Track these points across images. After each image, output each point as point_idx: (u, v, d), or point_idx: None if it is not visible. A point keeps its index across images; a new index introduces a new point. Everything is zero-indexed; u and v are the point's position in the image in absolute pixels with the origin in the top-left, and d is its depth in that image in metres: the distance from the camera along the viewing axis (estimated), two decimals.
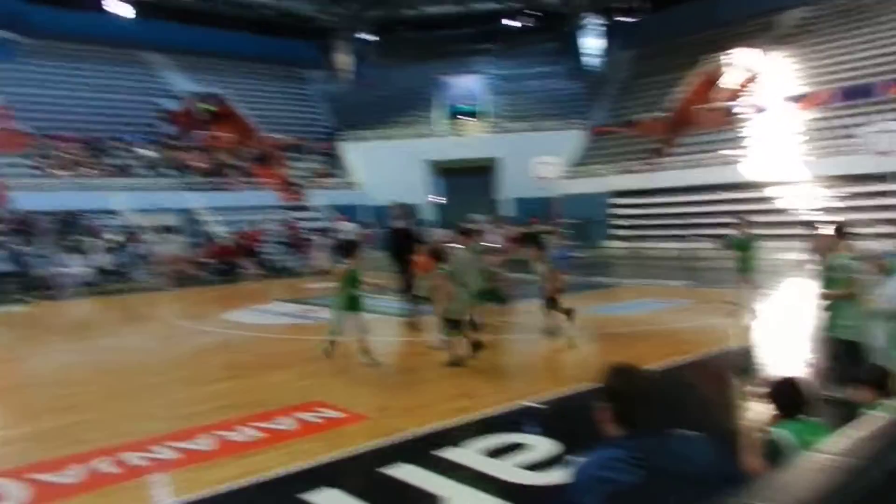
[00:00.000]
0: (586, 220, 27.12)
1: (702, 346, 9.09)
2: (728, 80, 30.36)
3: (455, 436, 5.44)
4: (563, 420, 6.05)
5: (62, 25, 38.03)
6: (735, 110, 28.92)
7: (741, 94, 29.66)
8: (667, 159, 28.95)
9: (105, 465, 5.14)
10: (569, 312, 9.75)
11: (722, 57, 31.06)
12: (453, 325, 8.32)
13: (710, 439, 2.29)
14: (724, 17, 35.07)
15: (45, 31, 37.20)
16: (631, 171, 29.12)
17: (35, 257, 21.24)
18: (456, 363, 8.09)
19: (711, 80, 31.29)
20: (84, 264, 21.56)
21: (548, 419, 6.06)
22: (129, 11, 41.41)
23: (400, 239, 12.38)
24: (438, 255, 9.03)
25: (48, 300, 18.49)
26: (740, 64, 30.48)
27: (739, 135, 27.38)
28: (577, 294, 15.60)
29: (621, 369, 2.32)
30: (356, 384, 7.59)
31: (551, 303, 9.94)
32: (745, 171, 25.26)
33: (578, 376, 7.32)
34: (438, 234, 19.90)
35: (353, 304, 8.52)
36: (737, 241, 11.66)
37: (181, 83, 38.25)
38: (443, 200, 35.01)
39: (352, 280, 8.53)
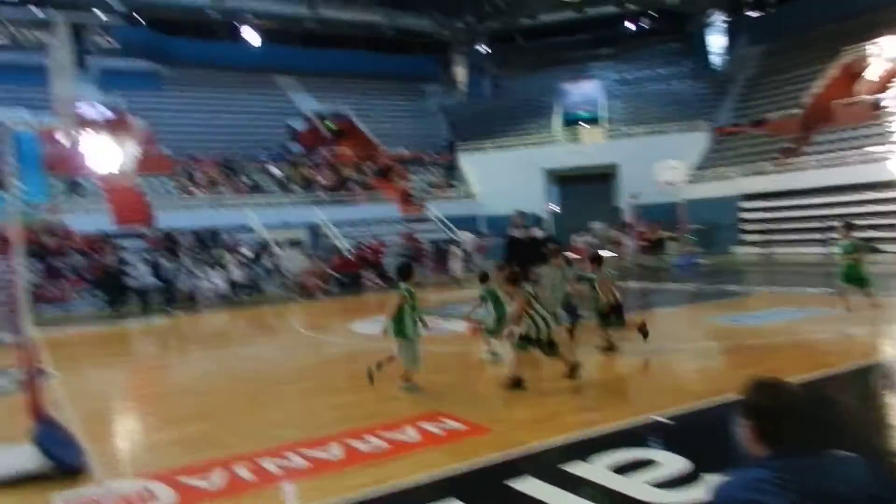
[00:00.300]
0: (714, 225, 25.96)
1: (847, 358, 8.42)
2: (872, 72, 28.15)
3: (582, 450, 5.30)
4: (693, 436, 5.76)
5: (200, 55, 41.02)
6: (881, 104, 26.76)
7: (888, 86, 27.42)
8: (801, 159, 27.18)
9: (244, 471, 5.40)
10: (641, 327, 9.41)
11: (866, 47, 28.86)
12: (530, 342, 7.74)
13: (866, 459, 2.10)
14: (865, 4, 32.61)
15: (184, 61, 40.23)
16: (762, 173, 27.52)
17: (177, 272, 22.84)
18: (516, 384, 7.55)
19: (853, 73, 29.15)
20: (221, 278, 22.98)
21: (676, 435, 5.79)
22: (257, 38, 43.96)
23: (520, 247, 12.37)
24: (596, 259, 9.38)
25: (189, 312, 19.82)
26: (886, 53, 28.20)
27: (887, 129, 25.29)
28: (705, 303, 15.01)
29: (766, 384, 2.15)
30: (477, 395, 7.59)
31: (608, 319, 9.47)
32: (894, 168, 23.28)
33: (708, 390, 7.00)
34: (581, 240, 19.82)
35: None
36: (848, 246, 11.40)
37: (308, 103, 40.12)
38: (557, 209, 34.66)
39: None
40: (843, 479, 2.00)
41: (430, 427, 6.28)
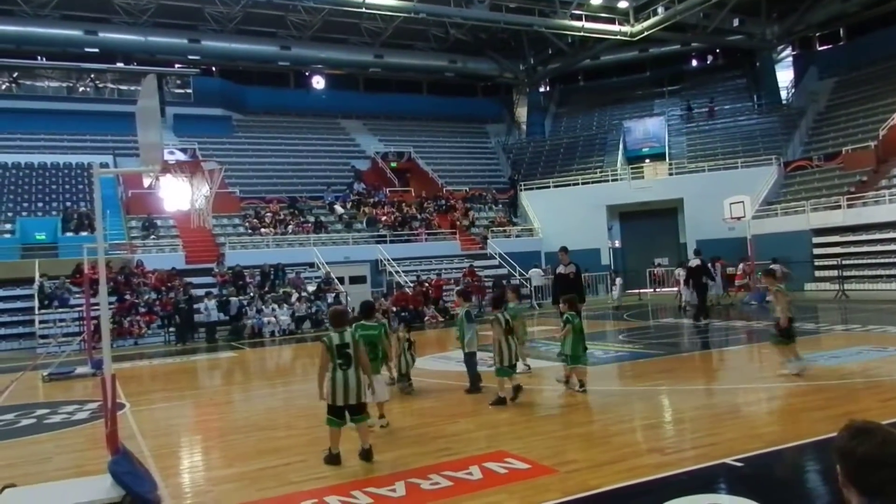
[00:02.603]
0: (786, 261, 25.09)
1: None
2: None
3: (653, 495, 5.15)
4: (767, 480, 5.53)
5: (269, 101, 42.70)
6: None
7: None
8: (879, 192, 26.18)
9: None
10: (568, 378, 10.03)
11: None
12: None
13: None
14: None
15: (254, 107, 41.89)
16: (835, 207, 26.60)
17: (244, 307, 23.43)
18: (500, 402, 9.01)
19: None
20: (286, 313, 23.44)
21: (749, 479, 5.56)
22: (324, 84, 45.36)
23: (566, 283, 12.44)
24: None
25: (255, 346, 20.23)
26: None
27: None
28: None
29: (867, 429, 2.03)
30: (539, 435, 7.46)
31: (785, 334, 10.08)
32: None
33: (783, 433, 6.74)
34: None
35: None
36: None
37: (372, 144, 41.07)
38: (617, 244, 34.34)
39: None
40: None
41: (493, 466, 6.20)
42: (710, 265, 20.15)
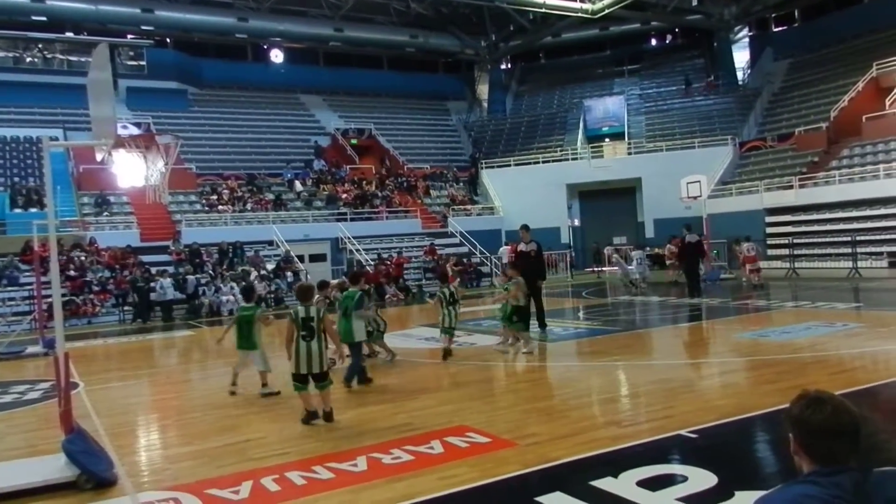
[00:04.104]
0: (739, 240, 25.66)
1: (879, 374, 8.28)
2: None
3: (610, 466, 5.25)
4: (721, 451, 5.68)
5: (226, 75, 41.72)
6: None
7: None
8: (829, 173, 26.88)
9: (271, 484, 5.41)
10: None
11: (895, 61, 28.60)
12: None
13: None
14: (893, 19, 32.38)
15: (213, 81, 40.91)
16: (788, 187, 27.25)
17: (200, 286, 23.08)
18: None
19: (881, 87, 28.88)
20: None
21: (704, 450, 5.71)
22: (282, 59, 44.50)
23: (527, 261, 12.80)
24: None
25: (213, 325, 19.98)
26: None
27: None
28: (732, 318, 14.83)
29: (818, 398, 2.10)
30: (500, 409, 7.55)
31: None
32: None
33: (735, 406, 6.93)
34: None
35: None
36: None
37: (332, 121, 40.54)
38: (576, 223, 34.72)
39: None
40: (894, 496, 1.96)
41: (455, 441, 6.26)
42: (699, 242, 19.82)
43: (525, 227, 13.79)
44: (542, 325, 13.27)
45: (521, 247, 13.60)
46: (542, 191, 33.11)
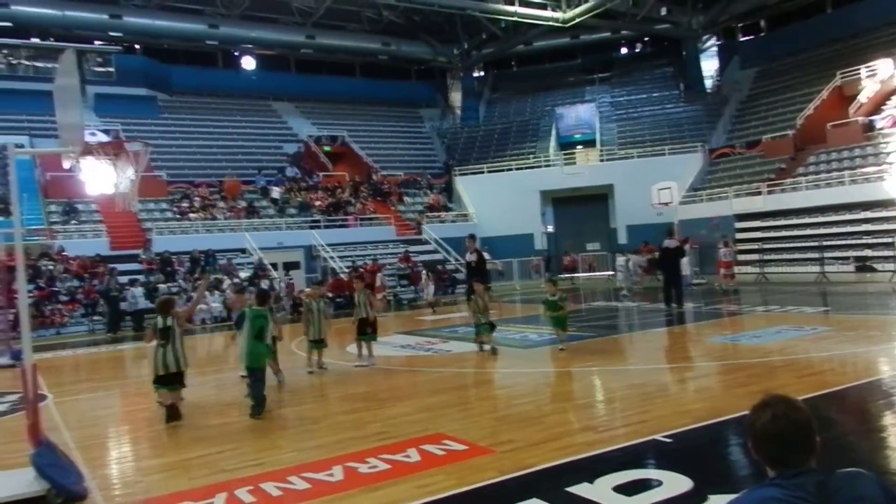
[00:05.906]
0: (709, 245, 26.04)
1: (848, 377, 8.44)
2: (866, 93, 28.47)
3: (586, 471, 5.28)
4: (695, 455, 5.74)
5: (197, 82, 41.26)
6: (874, 125, 27.04)
7: (881, 108, 27.76)
8: (796, 179, 27.40)
9: (246, 495, 5.34)
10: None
11: (862, 69, 29.25)
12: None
13: (878, 476, 2.10)
14: (857, 27, 33.16)
15: (183, 88, 40.46)
16: (756, 193, 27.71)
17: (172, 294, 22.73)
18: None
19: (845, 95, 29.53)
20: (217, 300, 22.91)
21: (678, 454, 5.77)
22: (254, 65, 44.22)
23: (470, 269, 13.32)
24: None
25: (185, 334, 19.66)
26: (878, 76, 28.56)
27: (881, 150, 25.56)
28: (702, 322, 15.02)
29: (764, 403, 2.14)
30: (477, 417, 7.55)
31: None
32: (889, 188, 23.46)
33: (708, 410, 7.01)
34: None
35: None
36: None
37: (305, 128, 40.34)
38: (550, 229, 34.93)
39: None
40: (855, 495, 1.99)
41: (431, 448, 6.24)
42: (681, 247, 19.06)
43: (471, 237, 14.58)
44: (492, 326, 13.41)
45: (467, 256, 14.45)
46: (516, 198, 33.28)
